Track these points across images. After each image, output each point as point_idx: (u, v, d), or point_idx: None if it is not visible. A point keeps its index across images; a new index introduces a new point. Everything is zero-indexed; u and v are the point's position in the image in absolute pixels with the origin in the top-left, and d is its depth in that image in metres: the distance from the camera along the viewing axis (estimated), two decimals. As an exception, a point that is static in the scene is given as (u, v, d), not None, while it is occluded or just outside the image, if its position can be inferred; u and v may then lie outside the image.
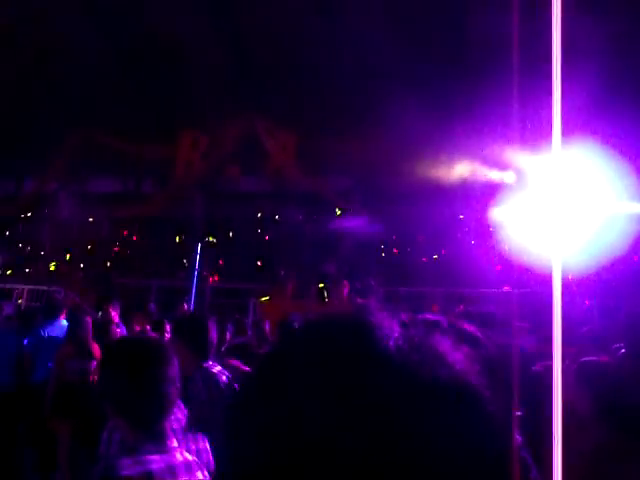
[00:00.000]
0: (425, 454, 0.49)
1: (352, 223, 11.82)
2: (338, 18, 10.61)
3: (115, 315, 6.74)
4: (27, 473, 5.92)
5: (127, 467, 1.72)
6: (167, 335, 5.51)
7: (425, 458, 0.49)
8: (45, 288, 11.29)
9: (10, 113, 11.97)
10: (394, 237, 12.78)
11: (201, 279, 11.92)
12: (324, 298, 9.61)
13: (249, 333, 6.49)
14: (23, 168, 13.93)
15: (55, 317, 6.55)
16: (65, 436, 5.43)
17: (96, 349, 5.71)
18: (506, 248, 9.51)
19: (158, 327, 5.88)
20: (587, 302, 8.14)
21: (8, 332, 6.82)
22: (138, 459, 1.77)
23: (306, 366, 0.55)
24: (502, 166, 9.90)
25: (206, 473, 1.97)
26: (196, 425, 2.65)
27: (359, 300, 8.18)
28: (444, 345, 0.57)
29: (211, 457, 2.51)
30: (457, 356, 0.56)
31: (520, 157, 8.80)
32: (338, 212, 12.68)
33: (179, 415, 2.53)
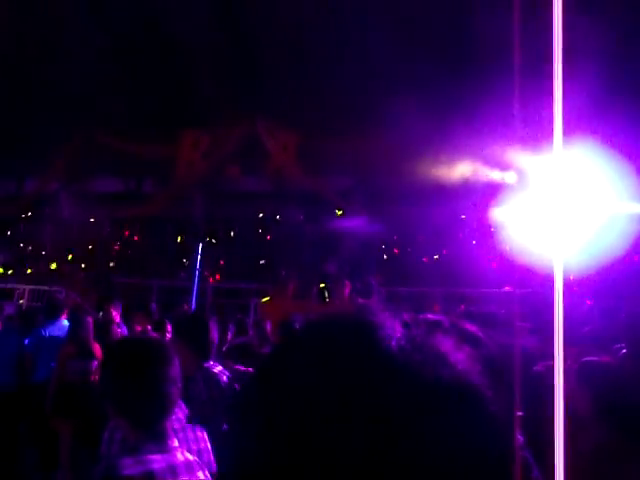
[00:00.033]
0: (427, 454, 0.49)
1: (353, 223, 11.82)
2: (340, 18, 10.61)
3: (116, 315, 6.75)
4: (29, 472, 5.93)
5: (128, 467, 1.73)
6: (168, 335, 5.51)
7: (427, 458, 0.49)
8: (46, 288, 11.30)
9: (11, 113, 11.98)
10: (395, 237, 12.78)
11: (202, 279, 11.92)
12: (325, 298, 9.61)
13: (250, 333, 6.49)
14: (24, 168, 13.93)
15: (56, 317, 6.55)
16: (66, 436, 5.44)
17: (97, 349, 5.72)
18: (507, 248, 9.50)
19: (159, 327, 5.89)
20: (588, 302, 8.13)
21: (9, 332, 6.83)
22: (139, 459, 1.77)
23: (308, 366, 0.55)
24: (503, 166, 9.90)
25: (207, 473, 1.98)
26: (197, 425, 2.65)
27: (360, 300, 8.18)
28: (446, 345, 0.57)
29: (212, 457, 2.51)
30: (459, 356, 0.56)
31: (521, 157, 8.80)
32: (339, 212, 12.67)
33: (180, 415, 2.53)
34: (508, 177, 9.94)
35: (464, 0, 9.98)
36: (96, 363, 5.59)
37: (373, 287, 8.93)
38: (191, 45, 11.56)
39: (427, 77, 9.47)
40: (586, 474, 1.59)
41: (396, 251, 12.79)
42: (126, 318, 6.88)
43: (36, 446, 5.97)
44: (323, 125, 10.83)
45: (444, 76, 9.71)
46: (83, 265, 13.57)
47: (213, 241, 13.56)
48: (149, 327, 6.11)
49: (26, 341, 6.49)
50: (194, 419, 2.66)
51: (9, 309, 9.89)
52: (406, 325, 0.58)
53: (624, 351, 3.26)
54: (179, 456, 1.88)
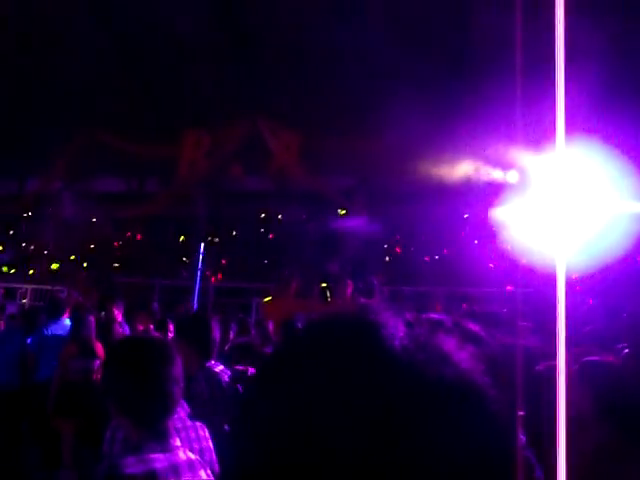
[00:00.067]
0: (430, 453, 0.49)
1: (355, 222, 11.82)
2: (342, 18, 10.60)
3: (118, 314, 6.75)
4: (31, 471, 5.94)
5: (131, 465, 1.73)
6: (170, 334, 5.52)
7: (430, 457, 0.49)
8: (49, 287, 11.32)
9: (13, 112, 11.99)
10: (397, 236, 12.77)
11: (204, 278, 11.94)
12: (327, 298, 9.61)
13: (252, 332, 6.49)
14: (26, 168, 13.95)
15: (58, 316, 6.56)
16: (69, 435, 5.45)
17: (99, 348, 5.73)
18: (509, 247, 9.49)
19: (161, 326, 5.89)
20: (590, 301, 8.12)
21: (12, 331, 6.85)
22: (142, 458, 1.77)
23: (311, 365, 0.55)
24: (505, 165, 9.89)
25: (209, 472, 1.98)
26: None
27: (362, 300, 8.18)
28: (449, 344, 0.57)
29: (214, 456, 2.51)
30: (462, 355, 0.56)
31: (523, 156, 8.79)
32: (342, 212, 12.67)
33: (182, 414, 2.54)
34: (510, 176, 9.94)
35: (467, 0, 9.97)
36: (98, 362, 5.60)
37: (375, 286, 8.93)
38: (193, 44, 11.57)
39: (429, 77, 9.47)
40: (587, 474, 1.59)
41: (398, 250, 12.79)
42: (128, 317, 6.88)
43: (38, 445, 5.98)
44: (325, 125, 10.83)
45: (446, 75, 9.71)
46: (85, 264, 13.59)
47: (215, 240, 13.57)
48: (151, 326, 6.12)
49: (28, 340, 6.50)
50: (195, 418, 2.67)
51: (11, 308, 9.93)
52: (409, 324, 0.58)
53: (626, 351, 3.26)
54: (181, 455, 1.88)
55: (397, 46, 9.63)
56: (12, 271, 13.48)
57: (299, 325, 5.70)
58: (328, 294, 9.56)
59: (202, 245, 12.16)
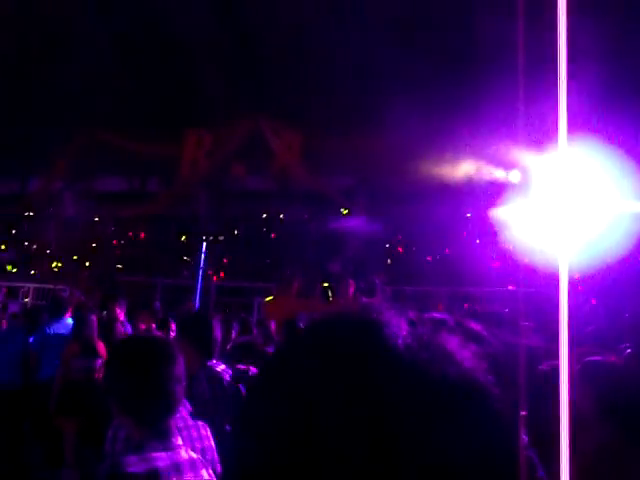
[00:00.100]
0: (434, 452, 0.49)
1: (357, 222, 11.81)
2: (343, 18, 10.60)
3: (120, 313, 6.76)
4: (34, 470, 5.95)
5: (133, 464, 1.73)
6: (172, 333, 5.52)
7: (434, 456, 0.49)
8: (51, 286, 11.33)
9: (14, 113, 12.01)
10: (399, 236, 12.76)
11: (206, 278, 11.94)
12: (329, 297, 9.61)
13: (254, 332, 6.49)
14: (28, 167, 13.97)
15: (61, 315, 6.57)
16: (71, 434, 5.46)
17: (101, 347, 5.73)
18: (511, 247, 9.48)
19: (163, 325, 5.90)
20: (593, 301, 8.11)
21: (14, 330, 6.86)
22: (144, 456, 1.77)
23: (313, 365, 0.55)
24: (507, 165, 9.88)
25: (210, 471, 1.98)
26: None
27: (364, 299, 8.18)
28: (452, 343, 0.57)
29: (216, 455, 2.52)
30: (465, 354, 0.56)
31: (525, 156, 8.78)
32: (344, 211, 12.67)
33: (184, 413, 2.54)
34: (512, 176, 9.93)
35: (470, 1, 9.97)
36: (100, 361, 5.61)
37: (377, 286, 8.93)
38: (194, 44, 11.57)
39: (431, 76, 9.46)
40: (589, 474, 1.59)
41: (400, 250, 12.78)
42: (130, 316, 6.89)
43: (41, 444, 5.99)
44: (327, 124, 10.82)
45: (447, 75, 9.70)
46: (87, 264, 13.60)
47: (217, 240, 13.58)
48: (153, 325, 6.12)
49: (31, 339, 6.51)
50: (197, 417, 2.67)
51: (14, 307, 9.95)
52: (412, 323, 0.58)
53: (629, 351, 3.25)
54: (183, 454, 1.88)
55: (399, 46, 9.63)
56: (14, 270, 13.50)
57: (301, 325, 5.70)
58: (330, 294, 9.56)
59: (204, 244, 12.16)
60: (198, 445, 2.46)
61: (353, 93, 10.66)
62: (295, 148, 11.86)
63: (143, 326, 6.32)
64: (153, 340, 2.26)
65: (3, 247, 14.13)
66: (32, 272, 13.23)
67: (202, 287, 11.38)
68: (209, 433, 2.59)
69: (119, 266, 13.60)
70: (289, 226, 13.35)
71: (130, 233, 14.44)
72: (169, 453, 1.83)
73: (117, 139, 11.97)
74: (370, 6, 10.49)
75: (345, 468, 0.49)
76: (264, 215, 13.92)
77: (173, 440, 1.89)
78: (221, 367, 3.61)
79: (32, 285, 11.78)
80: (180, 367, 2.00)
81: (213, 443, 2.56)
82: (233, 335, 6.19)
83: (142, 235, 14.42)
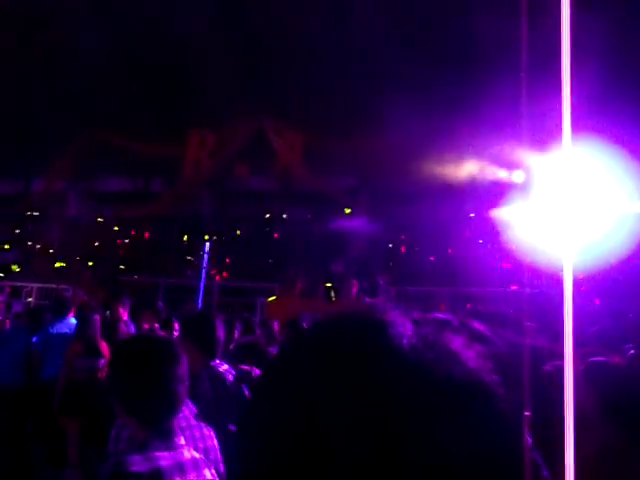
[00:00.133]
0: (439, 452, 0.49)
1: (360, 222, 11.82)
2: (346, 18, 10.60)
3: (123, 313, 6.76)
4: (37, 470, 5.96)
5: (137, 463, 1.73)
6: (175, 333, 5.52)
7: (439, 456, 0.49)
8: (54, 286, 11.35)
9: (18, 113, 12.04)
10: (402, 236, 12.76)
11: (209, 277, 11.95)
12: (332, 297, 9.61)
13: (257, 332, 6.49)
14: (32, 167, 14.01)
15: (64, 315, 6.57)
16: (74, 433, 5.47)
17: (104, 347, 5.74)
18: (514, 247, 9.47)
19: (166, 325, 5.89)
20: (597, 302, 8.10)
21: (18, 330, 6.86)
22: (147, 456, 1.78)
23: (318, 365, 0.55)
24: (510, 165, 9.87)
25: (213, 471, 1.98)
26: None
27: (367, 299, 8.19)
28: (456, 343, 0.57)
29: (219, 454, 2.51)
30: (470, 354, 0.56)
31: (529, 156, 8.77)
32: (347, 211, 12.67)
33: (187, 413, 2.54)
34: (515, 176, 9.91)
35: (471, 2, 9.96)
36: (103, 361, 5.61)
37: (380, 286, 8.94)
38: (198, 44, 11.58)
39: (433, 77, 9.46)
40: (593, 475, 1.59)
41: (403, 250, 12.78)
42: (133, 316, 6.89)
43: (44, 444, 6.00)
44: (330, 125, 10.83)
45: (450, 75, 9.69)
46: (90, 263, 13.63)
47: (220, 239, 13.59)
48: (156, 325, 6.12)
49: (34, 339, 6.51)
50: (199, 417, 2.67)
51: (17, 307, 9.97)
52: (416, 323, 0.58)
53: (632, 351, 3.25)
54: (186, 454, 1.88)
55: (401, 46, 9.62)
56: (18, 270, 13.53)
57: (304, 324, 5.70)
58: (333, 294, 9.56)
59: (207, 244, 12.17)
60: (201, 445, 2.46)
61: (355, 94, 10.66)
62: (298, 148, 11.88)
63: (146, 326, 6.31)
64: (156, 340, 2.26)
65: (7, 247, 14.16)
66: (35, 272, 13.25)
67: (205, 287, 11.38)
68: (212, 433, 2.59)
69: (122, 266, 13.63)
70: (292, 226, 13.37)
71: (133, 233, 14.47)
72: (172, 453, 1.83)
73: (120, 139, 12.00)
74: (373, 7, 10.49)
75: (349, 468, 0.49)
76: (267, 215, 13.93)
77: (176, 440, 1.90)
78: (224, 367, 3.61)
79: (35, 285, 11.80)
80: (183, 367, 2.00)
81: (216, 443, 2.56)
82: (236, 335, 6.19)
83: (145, 235, 14.45)
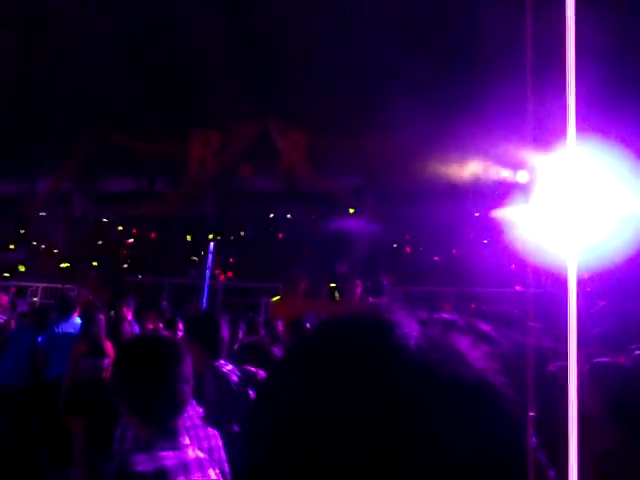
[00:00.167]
0: (447, 452, 0.49)
1: (364, 222, 11.81)
2: (351, 19, 10.60)
3: (128, 313, 6.77)
4: (42, 469, 5.97)
5: (141, 463, 1.74)
6: (180, 333, 5.53)
7: (447, 456, 0.49)
8: (59, 286, 11.38)
9: (24, 113, 12.07)
10: (406, 236, 12.75)
11: (213, 277, 11.96)
12: (336, 297, 9.61)
13: (262, 332, 6.49)
14: (37, 168, 14.04)
15: (69, 315, 6.59)
16: (79, 432, 5.48)
17: (109, 347, 5.75)
18: (519, 247, 9.46)
19: (171, 325, 5.90)
20: (602, 303, 8.07)
21: (23, 329, 6.88)
22: (152, 455, 1.78)
23: (326, 365, 0.55)
24: (515, 165, 9.85)
25: (217, 471, 1.98)
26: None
27: (371, 299, 8.18)
28: (463, 344, 0.57)
29: (223, 455, 2.52)
30: (476, 355, 0.56)
31: (533, 156, 8.75)
32: (351, 211, 12.66)
33: (191, 413, 2.54)
34: (520, 176, 9.90)
35: (475, 1, 9.94)
36: (108, 361, 5.62)
37: (384, 286, 8.93)
38: (203, 45, 11.60)
39: (438, 77, 9.45)
40: (597, 475, 1.58)
41: (407, 250, 12.76)
42: (138, 316, 6.90)
43: (49, 443, 6.02)
44: (334, 125, 10.83)
45: (454, 76, 9.68)
46: (95, 263, 13.66)
47: (224, 239, 13.60)
48: (161, 325, 6.13)
49: (39, 338, 6.53)
50: (204, 418, 2.67)
51: (22, 306, 10.00)
52: (423, 324, 0.58)
53: (638, 352, 3.23)
54: (190, 453, 1.89)
55: (406, 46, 9.62)
56: (23, 269, 13.57)
57: (308, 325, 5.70)
58: (337, 294, 9.56)
59: (211, 244, 12.18)
60: (205, 444, 2.46)
61: (360, 94, 10.66)
62: (302, 148, 11.88)
63: (151, 326, 6.32)
64: (161, 340, 2.26)
65: (12, 247, 14.21)
66: (40, 272, 13.29)
67: (209, 287, 11.39)
68: (216, 433, 2.59)
69: (126, 266, 13.65)
70: (296, 226, 13.37)
71: (137, 232, 14.50)
72: (177, 452, 1.84)
73: (125, 139, 12.02)
74: (377, 7, 10.48)
75: (354, 469, 0.49)
76: (271, 215, 13.94)
77: (180, 439, 1.90)
78: (228, 367, 3.61)
79: (41, 284, 11.84)
80: (188, 367, 2.00)
81: (220, 443, 2.56)
82: (240, 335, 6.19)
83: (149, 235, 14.48)
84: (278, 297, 9.44)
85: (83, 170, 13.10)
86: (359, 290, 8.35)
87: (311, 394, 0.53)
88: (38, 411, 6.26)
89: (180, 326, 5.66)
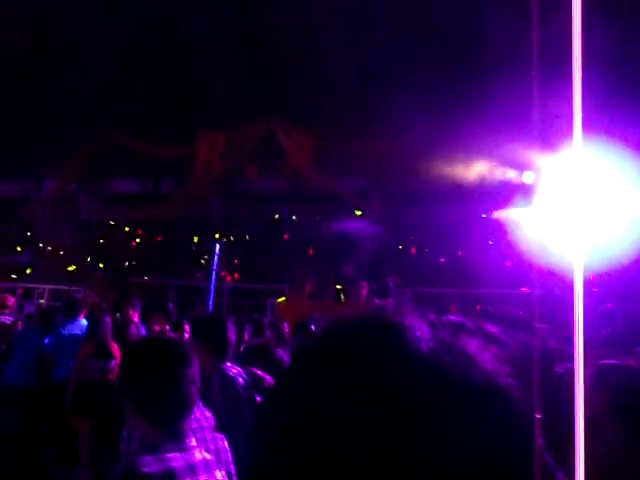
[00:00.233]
0: (458, 454, 0.49)
1: (369, 224, 11.80)
2: (356, 19, 10.60)
3: (134, 315, 6.78)
4: (49, 470, 5.99)
5: (148, 464, 1.74)
6: (186, 335, 5.53)
7: (459, 458, 0.49)
8: (66, 288, 11.42)
9: (29, 114, 12.12)
10: (412, 238, 12.73)
11: (219, 279, 11.97)
12: (342, 299, 9.61)
13: (267, 333, 6.49)
14: (43, 169, 14.09)
15: (75, 316, 6.61)
16: (85, 434, 5.50)
17: (115, 348, 5.76)
18: (525, 249, 9.42)
19: (177, 327, 5.91)
20: (609, 305, 8.02)
21: (30, 331, 6.92)
22: (159, 457, 1.78)
23: (336, 367, 0.55)
24: (521, 166, 9.83)
25: (224, 472, 1.99)
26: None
27: (377, 301, 8.17)
28: (472, 346, 0.57)
29: (230, 456, 2.52)
30: (486, 357, 0.56)
31: (539, 157, 8.73)
32: (357, 212, 12.66)
33: (198, 415, 2.55)
34: (526, 177, 9.87)
35: (482, 2, 9.93)
36: (114, 362, 5.64)
37: (390, 288, 8.92)
38: (207, 46, 11.62)
39: (443, 77, 9.43)
40: (602, 477, 1.58)
41: (413, 251, 12.75)
42: (144, 318, 6.91)
43: (56, 444, 6.04)
44: (340, 125, 10.83)
45: (460, 76, 9.66)
46: (101, 265, 13.70)
47: (231, 241, 13.61)
48: (167, 327, 6.13)
49: (46, 340, 6.56)
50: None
51: (29, 308, 10.04)
52: (433, 326, 0.58)
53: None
54: (197, 455, 1.89)
55: (412, 46, 9.61)
56: (30, 271, 13.62)
57: (313, 326, 5.70)
58: (342, 295, 9.55)
59: (217, 246, 12.20)
60: (212, 446, 2.46)
61: (365, 94, 10.66)
62: (307, 149, 11.88)
63: (157, 327, 6.33)
64: (167, 341, 2.27)
65: (19, 249, 14.26)
66: (47, 273, 13.33)
67: (215, 288, 11.40)
68: (223, 435, 2.60)
69: (133, 267, 13.68)
70: (302, 227, 13.36)
71: (144, 234, 14.52)
72: (183, 454, 1.84)
73: (131, 141, 12.05)
74: (382, 7, 10.48)
75: (363, 470, 0.49)
76: (277, 216, 13.94)
77: (187, 441, 1.90)
78: (235, 370, 3.61)
79: (47, 286, 11.88)
80: (194, 369, 2.01)
81: (227, 445, 2.56)
82: (246, 337, 6.19)
83: (155, 237, 14.50)
84: (284, 298, 9.44)
85: (88, 171, 13.12)
86: (365, 291, 8.35)
87: (319, 397, 0.53)
88: (45, 412, 6.29)
89: (186, 328, 5.67)
